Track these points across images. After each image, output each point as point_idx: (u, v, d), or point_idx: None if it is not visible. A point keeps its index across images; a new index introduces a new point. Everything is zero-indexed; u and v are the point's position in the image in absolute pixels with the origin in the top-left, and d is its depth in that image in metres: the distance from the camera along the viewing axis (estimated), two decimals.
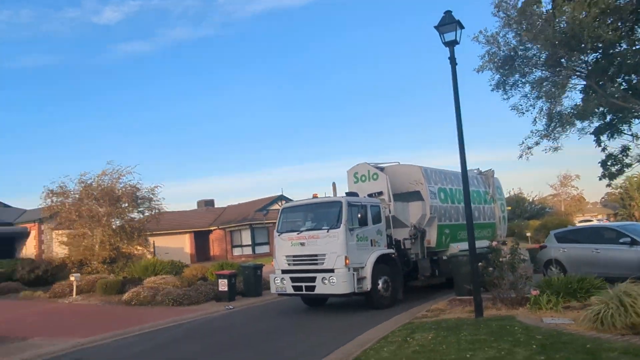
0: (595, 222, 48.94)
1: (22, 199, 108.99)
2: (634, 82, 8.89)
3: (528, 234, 37.43)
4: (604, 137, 10.83)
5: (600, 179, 11.56)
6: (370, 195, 14.27)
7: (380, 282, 12.46)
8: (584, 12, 8.44)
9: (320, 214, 12.96)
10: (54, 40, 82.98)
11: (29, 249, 31.11)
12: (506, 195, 56.10)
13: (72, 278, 18.80)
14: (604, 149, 10.80)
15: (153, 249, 29.10)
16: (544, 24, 8.54)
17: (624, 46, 9.29)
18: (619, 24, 8.65)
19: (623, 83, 9.32)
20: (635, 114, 9.57)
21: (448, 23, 9.78)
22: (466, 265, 12.39)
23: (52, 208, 23.57)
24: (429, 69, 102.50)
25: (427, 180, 14.91)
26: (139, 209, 25.16)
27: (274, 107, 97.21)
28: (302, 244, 12.51)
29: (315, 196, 13.75)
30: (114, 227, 23.52)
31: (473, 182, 17.12)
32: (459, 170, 13.83)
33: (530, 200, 56.72)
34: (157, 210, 25.39)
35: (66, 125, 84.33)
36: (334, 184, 14.77)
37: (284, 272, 12.89)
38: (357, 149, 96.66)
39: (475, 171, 18.07)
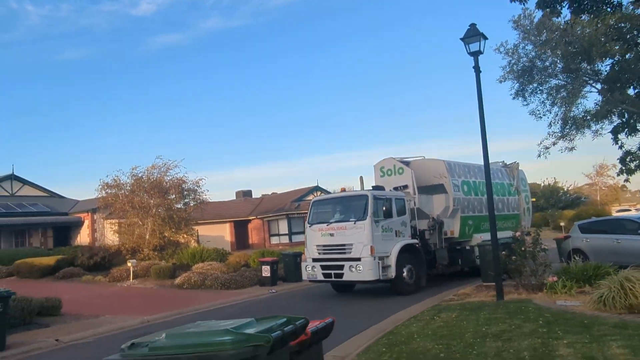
0: (633, 212, 48.46)
1: (66, 188, 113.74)
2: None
3: (562, 224, 37.58)
4: (621, 135, 11.60)
5: (618, 175, 12.36)
6: (395, 189, 15.04)
7: (405, 270, 13.33)
8: (595, 26, 9.33)
9: (348, 206, 13.86)
10: (92, 33, 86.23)
11: (82, 237, 33.47)
12: (541, 185, 55.50)
13: (129, 264, 20.61)
14: (621, 147, 11.59)
15: (197, 237, 30.88)
16: (559, 37, 9.41)
17: (631, 56, 10.06)
18: (627, 37, 9.45)
19: (633, 90, 10.08)
20: None
21: (473, 35, 10.75)
22: (492, 253, 13.38)
23: (107, 199, 25.52)
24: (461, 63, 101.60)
25: (450, 173, 15.57)
26: (185, 200, 26.93)
27: (308, 97, 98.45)
28: (332, 235, 13.48)
29: (342, 190, 14.89)
30: (162, 217, 25.28)
31: (497, 175, 17.65)
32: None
33: (565, 189, 56.31)
34: (201, 201, 27.13)
35: (104, 116, 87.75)
36: (361, 178, 15.67)
37: (314, 260, 13.88)
38: (393, 138, 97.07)
39: (500, 164, 18.52)
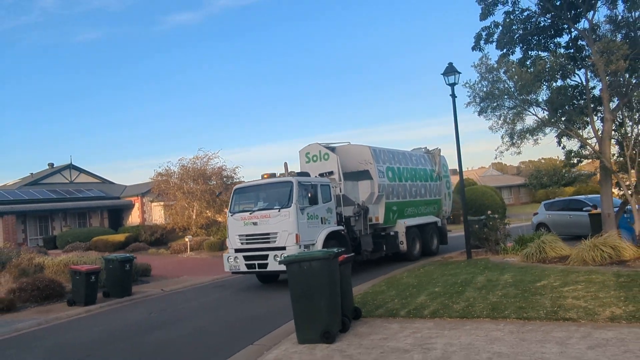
0: None
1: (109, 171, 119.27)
2: (567, 113, 13.73)
3: None
4: (564, 139, 15.74)
5: (563, 168, 16.45)
6: (321, 175, 14.84)
7: None
8: (534, 67, 13.42)
9: (272, 194, 13.36)
10: (105, 14, 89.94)
11: (133, 218, 38.57)
12: (559, 161, 58.26)
13: (186, 239, 25.48)
14: (563, 148, 15.73)
15: None
16: (507, 78, 13.48)
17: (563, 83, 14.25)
18: (562, 70, 13.53)
19: (568, 107, 14.12)
20: (574, 133, 14.60)
21: (450, 71, 14.99)
22: (473, 227, 16.36)
23: (160, 186, 30.39)
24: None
25: (375, 159, 15.65)
26: (225, 185, 31.70)
27: (316, 71, 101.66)
28: (255, 224, 12.91)
29: (266, 177, 13.95)
30: (207, 200, 30.06)
31: (420, 161, 18.31)
32: (408, 150, 18.24)
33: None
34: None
35: (117, 94, 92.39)
36: (285, 164, 15.50)
37: (237, 250, 13.34)
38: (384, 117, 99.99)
39: (423, 150, 19.23)
